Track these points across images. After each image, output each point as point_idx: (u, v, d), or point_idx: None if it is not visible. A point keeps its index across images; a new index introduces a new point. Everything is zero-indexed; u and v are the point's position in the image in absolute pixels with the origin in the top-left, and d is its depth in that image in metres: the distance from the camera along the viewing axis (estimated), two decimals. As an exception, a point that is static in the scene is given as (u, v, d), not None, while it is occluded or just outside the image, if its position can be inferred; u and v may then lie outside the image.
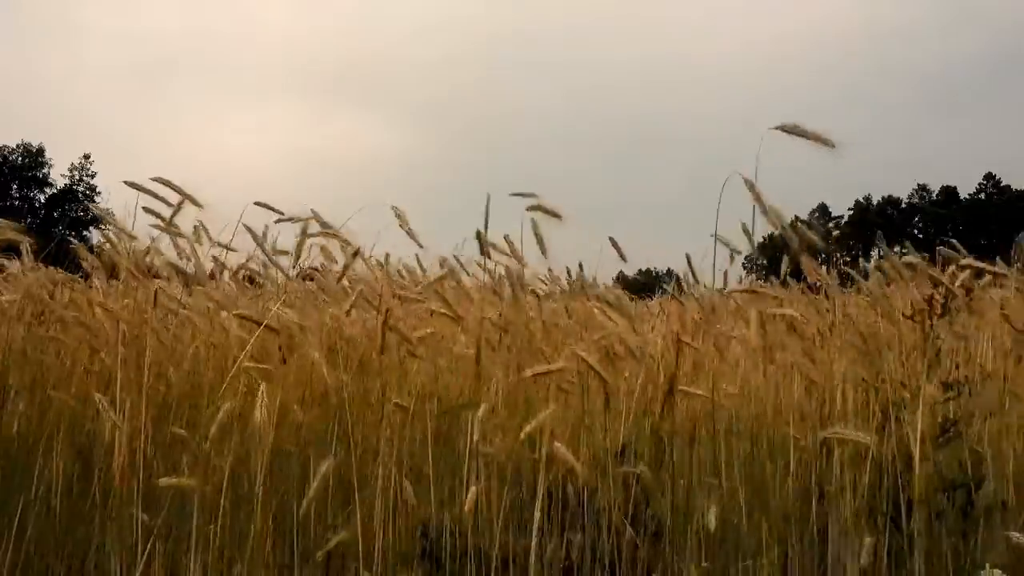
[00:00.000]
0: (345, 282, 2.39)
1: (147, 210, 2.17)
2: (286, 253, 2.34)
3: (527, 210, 2.21)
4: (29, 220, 32.94)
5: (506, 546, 2.07)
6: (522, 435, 1.96)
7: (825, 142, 1.79)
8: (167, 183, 2.17)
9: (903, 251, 2.38)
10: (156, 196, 2.17)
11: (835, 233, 44.78)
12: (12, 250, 2.43)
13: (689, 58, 73.80)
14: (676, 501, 2.13)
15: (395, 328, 2.14)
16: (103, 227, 2.27)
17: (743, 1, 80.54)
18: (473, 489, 1.95)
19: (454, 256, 2.47)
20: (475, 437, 1.99)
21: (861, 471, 2.05)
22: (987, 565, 1.67)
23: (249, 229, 2.29)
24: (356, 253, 2.28)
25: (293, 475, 2.14)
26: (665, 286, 2.90)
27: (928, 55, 70.85)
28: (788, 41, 74.71)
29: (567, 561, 2.14)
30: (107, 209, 2.24)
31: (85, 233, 36.25)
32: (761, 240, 2.33)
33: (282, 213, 2.26)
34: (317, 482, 1.89)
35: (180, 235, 2.16)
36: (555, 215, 2.20)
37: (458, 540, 2.08)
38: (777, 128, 1.81)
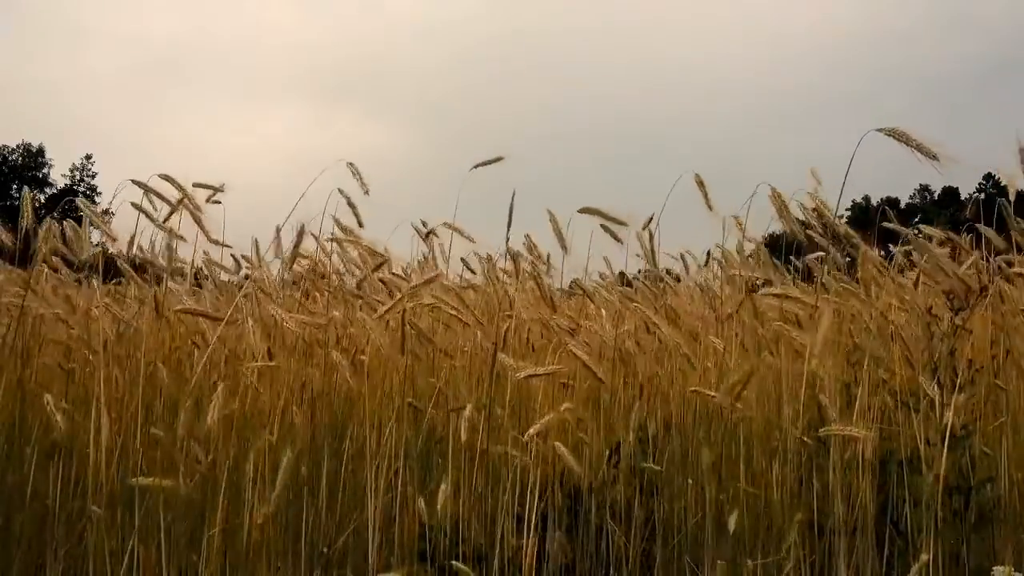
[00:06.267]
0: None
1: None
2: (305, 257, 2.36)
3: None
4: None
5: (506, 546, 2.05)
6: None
7: (928, 153, 1.62)
8: (170, 179, 2.17)
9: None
10: (159, 195, 2.17)
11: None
12: None
13: (690, 59, 73.84)
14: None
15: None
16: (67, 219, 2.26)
17: (743, 3, 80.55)
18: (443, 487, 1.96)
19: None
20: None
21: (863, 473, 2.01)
22: (1006, 564, 1.64)
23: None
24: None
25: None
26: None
27: (927, 56, 70.91)
28: (788, 42, 74.70)
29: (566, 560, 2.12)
30: (83, 200, 2.21)
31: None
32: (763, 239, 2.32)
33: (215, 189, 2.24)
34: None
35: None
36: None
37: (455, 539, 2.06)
38: (881, 130, 1.67)
